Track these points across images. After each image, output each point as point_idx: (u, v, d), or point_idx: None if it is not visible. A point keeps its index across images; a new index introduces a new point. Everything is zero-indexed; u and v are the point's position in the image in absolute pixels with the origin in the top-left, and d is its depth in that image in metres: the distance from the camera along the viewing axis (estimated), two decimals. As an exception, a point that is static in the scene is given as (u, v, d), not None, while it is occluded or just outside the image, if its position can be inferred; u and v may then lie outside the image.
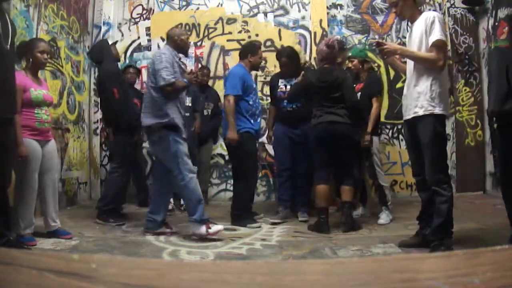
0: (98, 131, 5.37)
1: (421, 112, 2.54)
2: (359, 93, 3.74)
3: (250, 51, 3.86)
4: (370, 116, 3.64)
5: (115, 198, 3.74)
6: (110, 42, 4.04)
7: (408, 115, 2.65)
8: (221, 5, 5.53)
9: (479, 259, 0.45)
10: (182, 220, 3.97)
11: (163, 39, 5.47)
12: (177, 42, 3.33)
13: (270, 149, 4.88)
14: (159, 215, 3.31)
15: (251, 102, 3.74)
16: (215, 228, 3.13)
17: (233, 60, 5.39)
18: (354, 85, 3.70)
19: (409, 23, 2.79)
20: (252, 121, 3.73)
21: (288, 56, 3.98)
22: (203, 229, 3.09)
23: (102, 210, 3.70)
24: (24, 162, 2.83)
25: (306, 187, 3.97)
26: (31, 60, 2.98)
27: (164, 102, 3.15)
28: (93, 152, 5.32)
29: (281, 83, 4.01)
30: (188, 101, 4.21)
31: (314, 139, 3.48)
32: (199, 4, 5.56)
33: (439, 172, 2.52)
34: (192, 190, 3.13)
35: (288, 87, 3.94)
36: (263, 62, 5.28)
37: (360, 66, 3.83)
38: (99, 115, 5.37)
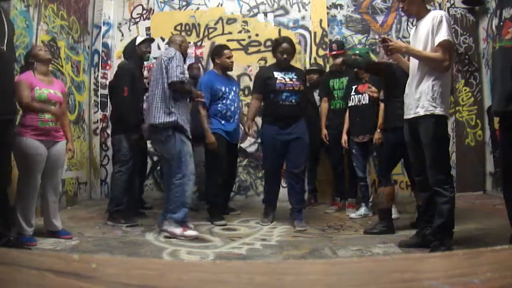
0: (98, 131, 5.37)
1: (422, 112, 2.53)
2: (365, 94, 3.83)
3: (215, 54, 4.02)
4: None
5: (122, 199, 3.69)
6: (141, 39, 3.96)
7: (409, 114, 2.65)
8: (221, 5, 5.53)
9: (479, 259, 0.45)
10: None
11: (163, 39, 5.48)
12: (181, 48, 3.42)
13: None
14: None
15: (219, 107, 3.83)
16: (190, 232, 3.17)
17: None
18: (355, 86, 3.82)
19: (414, 22, 2.77)
20: (223, 122, 3.85)
21: (290, 43, 3.67)
22: (179, 229, 3.14)
23: (112, 212, 3.68)
24: (26, 162, 2.82)
25: (303, 190, 3.75)
26: (34, 62, 2.98)
27: (173, 100, 3.20)
28: (93, 152, 5.32)
29: (277, 74, 3.60)
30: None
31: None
32: (199, 4, 5.56)
33: (441, 172, 2.52)
34: (184, 191, 3.16)
35: (287, 79, 3.58)
36: (263, 62, 5.31)
37: None
38: (99, 115, 5.37)
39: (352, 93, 3.93)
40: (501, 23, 2.19)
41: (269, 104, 3.65)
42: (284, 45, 3.62)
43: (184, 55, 3.47)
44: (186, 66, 3.85)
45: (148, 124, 3.31)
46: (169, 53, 3.27)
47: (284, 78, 3.59)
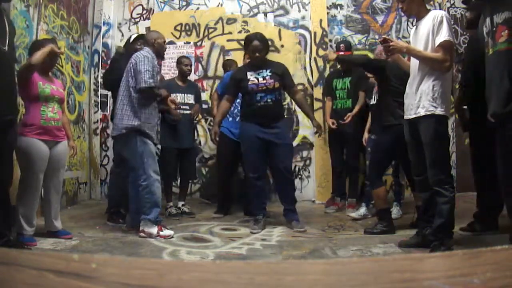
0: (98, 131, 5.37)
1: (422, 112, 2.53)
2: None
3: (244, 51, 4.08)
4: None
5: (119, 200, 3.68)
6: (134, 37, 3.90)
7: (409, 114, 2.65)
8: (221, 5, 5.53)
9: (479, 259, 0.45)
10: (181, 220, 3.98)
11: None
12: (154, 46, 3.33)
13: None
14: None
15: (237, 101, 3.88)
16: (166, 232, 3.20)
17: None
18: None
19: (413, 22, 2.77)
20: (230, 119, 4.02)
21: (260, 39, 3.52)
22: (155, 229, 3.15)
23: (110, 212, 3.69)
24: (28, 162, 2.82)
25: (293, 190, 3.60)
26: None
27: (139, 105, 3.18)
28: (93, 152, 5.32)
29: (250, 75, 3.48)
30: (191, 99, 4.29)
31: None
32: (199, 4, 5.56)
33: (441, 172, 2.52)
34: (153, 191, 3.16)
35: (261, 79, 3.45)
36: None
37: None
38: (99, 115, 5.37)
39: (374, 91, 3.90)
40: (494, 29, 2.19)
41: (246, 105, 3.55)
42: (255, 43, 3.49)
43: (161, 51, 3.41)
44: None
45: (113, 124, 3.31)
46: (138, 56, 3.21)
47: (257, 78, 3.47)
